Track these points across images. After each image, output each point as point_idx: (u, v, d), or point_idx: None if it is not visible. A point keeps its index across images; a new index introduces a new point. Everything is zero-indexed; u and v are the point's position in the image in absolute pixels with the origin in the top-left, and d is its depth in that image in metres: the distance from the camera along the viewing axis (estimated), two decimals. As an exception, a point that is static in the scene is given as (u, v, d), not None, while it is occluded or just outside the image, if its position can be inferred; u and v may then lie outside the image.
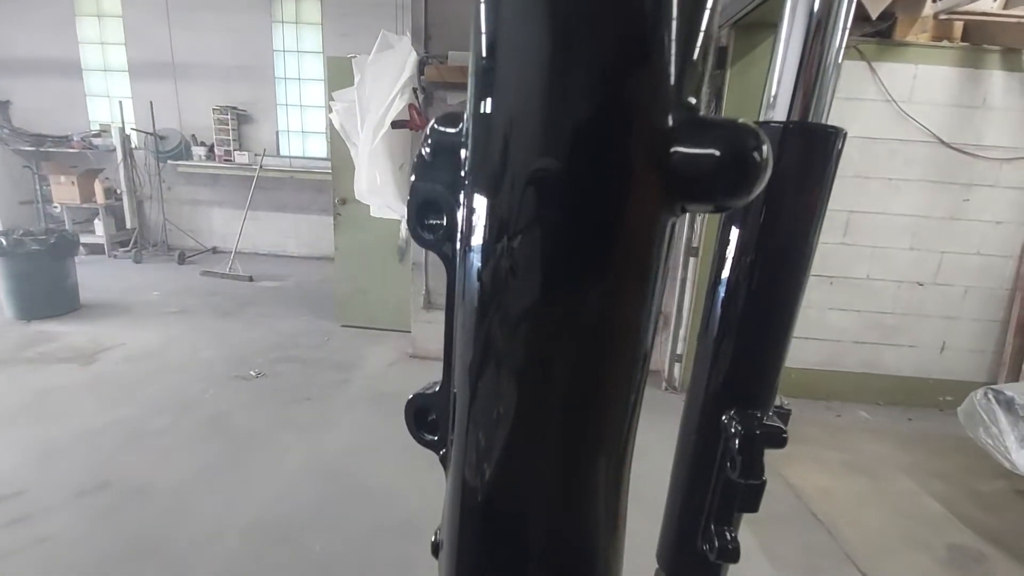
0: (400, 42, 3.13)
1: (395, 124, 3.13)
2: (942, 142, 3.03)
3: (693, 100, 0.24)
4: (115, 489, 2.21)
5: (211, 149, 6.56)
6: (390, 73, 3.09)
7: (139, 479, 2.28)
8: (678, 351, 3.45)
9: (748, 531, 2.09)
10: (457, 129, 0.29)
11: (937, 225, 3.16)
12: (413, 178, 0.32)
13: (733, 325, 0.54)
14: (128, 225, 6.57)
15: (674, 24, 0.23)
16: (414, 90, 3.14)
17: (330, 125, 3.65)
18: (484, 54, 0.26)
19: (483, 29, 0.25)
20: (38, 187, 6.40)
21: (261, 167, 5.89)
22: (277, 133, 6.75)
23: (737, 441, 0.50)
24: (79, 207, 6.31)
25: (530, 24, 0.24)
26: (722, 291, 0.54)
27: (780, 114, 0.50)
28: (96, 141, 6.57)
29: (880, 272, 3.23)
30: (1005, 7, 2.96)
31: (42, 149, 6.46)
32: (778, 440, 0.49)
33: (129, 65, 6.65)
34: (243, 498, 2.20)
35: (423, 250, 3.63)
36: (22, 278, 4.03)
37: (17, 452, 2.43)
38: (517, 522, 0.32)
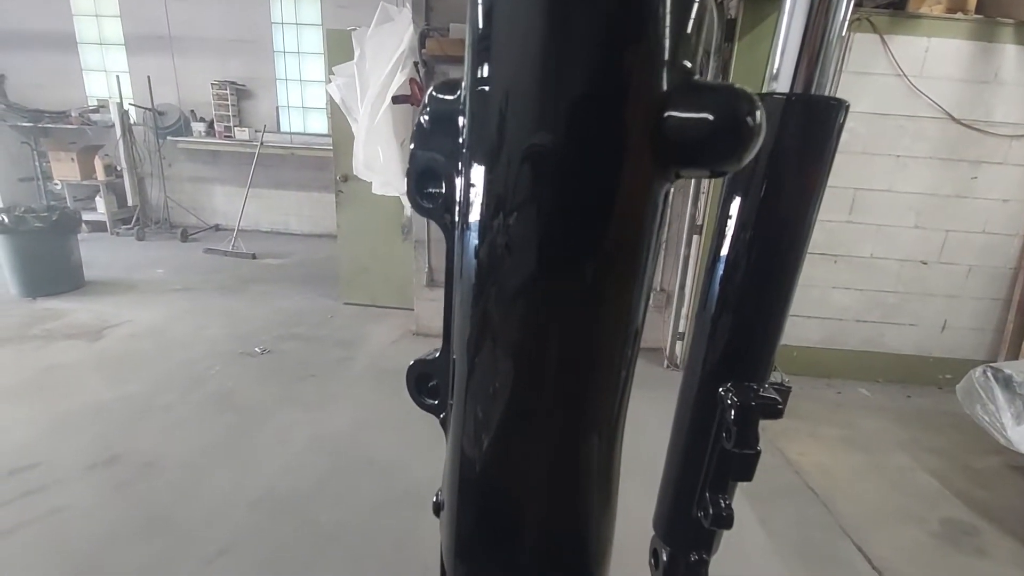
0: (400, 14, 3.06)
1: (396, 99, 3.08)
2: (952, 118, 2.98)
3: (688, 64, 0.24)
4: (124, 463, 2.26)
5: (211, 125, 6.50)
6: (390, 46, 3.03)
7: (148, 453, 2.33)
8: (680, 329, 3.46)
9: (746, 505, 2.13)
10: (455, 96, 0.29)
11: (943, 203, 3.12)
12: (412, 146, 0.32)
13: (731, 300, 0.55)
14: (130, 202, 6.55)
15: None
16: (415, 64, 3.09)
17: (330, 100, 3.60)
18: (480, 23, 0.25)
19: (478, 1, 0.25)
20: (37, 164, 6.36)
21: (262, 144, 5.84)
22: (277, 108, 6.67)
23: (733, 412, 0.51)
24: (80, 184, 6.29)
25: None
26: (720, 267, 0.55)
27: (783, 86, 0.49)
28: (94, 117, 6.51)
29: (884, 250, 3.22)
30: (1022, -23, 2.87)
31: (40, 125, 6.40)
32: (773, 411, 0.50)
33: (125, 38, 6.53)
34: (250, 472, 2.25)
35: (425, 227, 3.63)
36: (26, 255, 4.04)
37: (29, 426, 2.48)
38: (512, 485, 0.33)
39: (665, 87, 0.23)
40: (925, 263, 3.22)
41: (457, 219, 0.31)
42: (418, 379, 0.41)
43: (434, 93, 0.31)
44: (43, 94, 6.61)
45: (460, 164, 0.29)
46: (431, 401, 0.41)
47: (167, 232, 6.65)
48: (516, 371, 0.29)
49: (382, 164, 3.27)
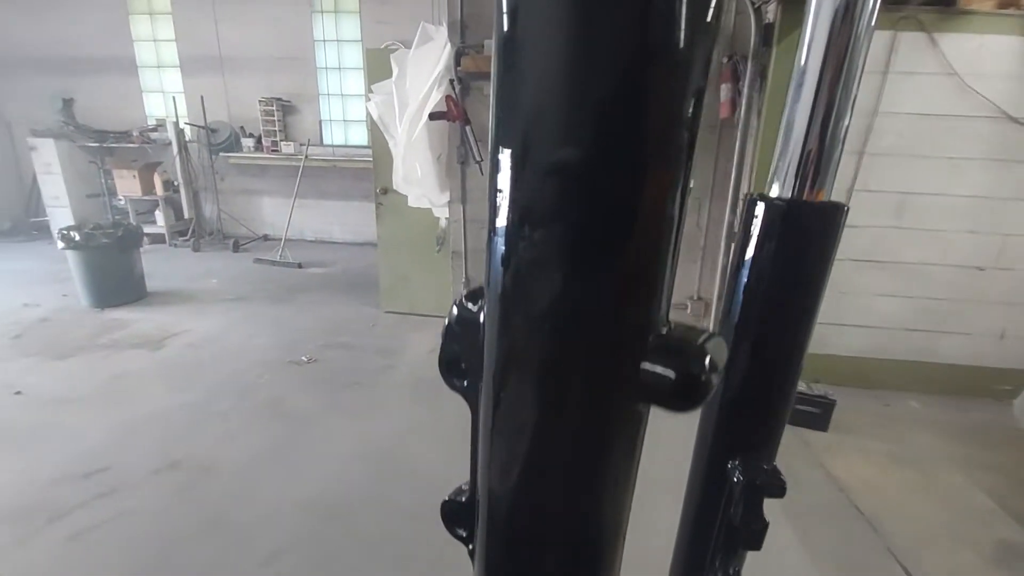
0: (438, 33, 3.16)
1: (433, 116, 3.18)
2: (1009, 117, 2.83)
3: (664, 321, 0.29)
4: (185, 468, 2.42)
5: (259, 140, 6.81)
6: (428, 65, 3.13)
7: (205, 459, 2.49)
8: (718, 338, 3.41)
9: (787, 524, 2.10)
10: (478, 306, 0.34)
11: (1001, 206, 2.97)
12: (442, 340, 0.38)
13: (736, 379, 0.57)
14: (186, 215, 6.95)
15: (653, 265, 0.28)
16: (451, 81, 3.18)
17: (369, 115, 3.75)
18: (497, 285, 0.31)
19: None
20: (103, 181, 6.82)
21: (306, 157, 6.09)
22: (320, 122, 6.93)
23: (739, 489, 0.53)
24: (141, 199, 6.71)
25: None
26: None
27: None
28: (153, 135, 6.93)
29: (935, 256, 3.08)
30: (1087, -34, 2.70)
31: (105, 145, 6.87)
32: (778, 491, 0.53)
33: (180, 61, 6.93)
34: (299, 478, 2.37)
35: (462, 237, 3.71)
36: (95, 269, 4.36)
37: (101, 431, 2.69)
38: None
39: (646, 341, 0.28)
40: (981, 269, 3.07)
41: (481, 407, 0.36)
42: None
43: (462, 300, 0.36)
44: (107, 115, 7.09)
45: (481, 366, 0.34)
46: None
47: (220, 243, 7.01)
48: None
49: (419, 178, 3.38)
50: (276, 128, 6.72)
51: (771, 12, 2.86)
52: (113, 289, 4.48)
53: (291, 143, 6.71)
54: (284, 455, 2.55)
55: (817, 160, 0.51)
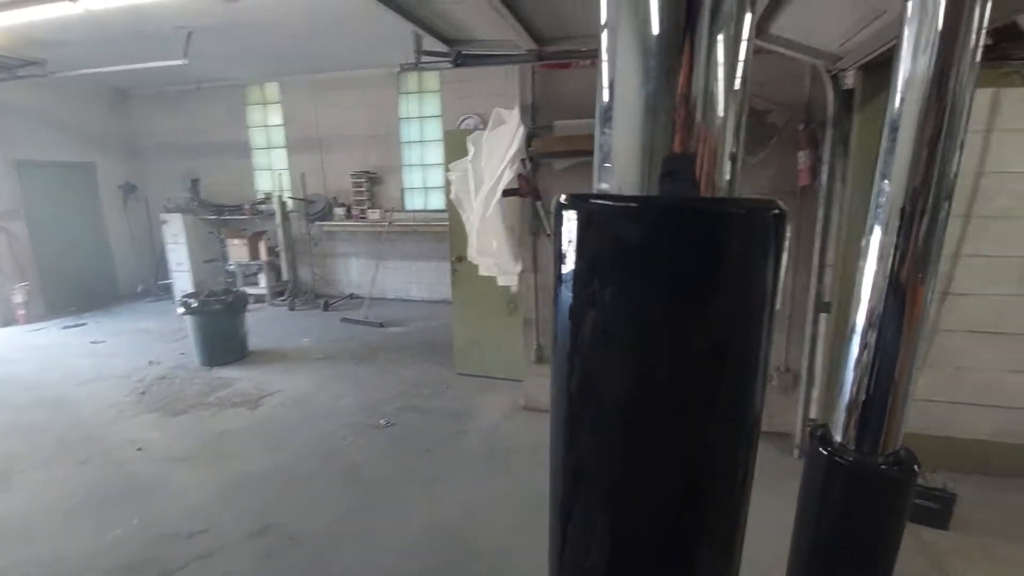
0: (511, 116, 3.36)
1: (507, 192, 3.34)
2: None
3: None
4: (274, 532, 2.57)
5: (348, 209, 7.44)
6: (501, 146, 3.32)
7: (293, 525, 2.62)
8: (811, 414, 3.16)
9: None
10: None
11: None
12: None
13: None
14: (284, 278, 7.64)
15: None
16: (522, 160, 3.34)
17: (447, 184, 3.97)
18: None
19: None
20: (220, 248, 7.71)
21: (390, 223, 6.55)
22: (403, 191, 7.46)
23: None
24: (248, 263, 7.49)
25: None
26: None
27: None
28: (261, 207, 7.78)
29: (990, 323, 2.71)
30: None
31: (221, 217, 7.80)
32: None
33: (287, 142, 7.83)
34: (374, 549, 2.43)
35: (534, 305, 3.78)
36: (208, 332, 4.87)
37: (203, 490, 2.93)
38: None
39: None
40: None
41: None
42: None
43: None
44: (225, 191, 8.08)
45: None
46: None
47: (312, 302, 7.59)
48: None
49: (495, 250, 3.52)
50: (364, 197, 7.32)
51: (850, 78, 2.78)
52: (221, 349, 4.97)
53: (377, 210, 7.26)
54: (361, 524, 2.63)
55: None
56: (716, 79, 0.33)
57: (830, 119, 2.84)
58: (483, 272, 3.81)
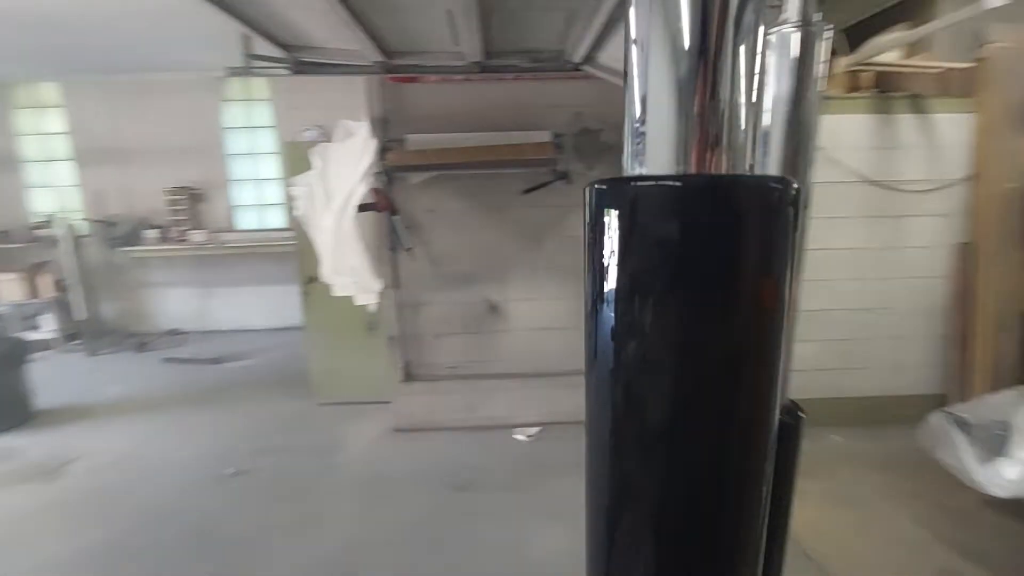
0: (359, 129, 3.23)
1: (363, 207, 3.20)
2: (869, 181, 3.33)
3: None
4: (98, 630, 2.08)
5: (164, 231, 6.43)
6: (352, 159, 3.17)
7: (124, 614, 2.15)
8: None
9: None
10: None
11: (875, 255, 3.43)
12: None
13: None
14: (79, 317, 6.29)
15: None
16: (376, 173, 3.23)
17: (289, 200, 3.67)
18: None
19: None
20: (-24, 287, 6.07)
21: (217, 244, 5.80)
22: (231, 208, 6.69)
23: None
24: (24, 303, 6.02)
25: None
26: None
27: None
28: (39, 233, 6.33)
29: (833, 302, 3.47)
30: (905, 59, 3.33)
31: (-21, 247, 6.17)
32: None
33: (75, 153, 6.50)
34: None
35: (398, 322, 3.66)
36: (-31, 395, 3.79)
37: (-18, 601, 2.26)
38: None
39: None
40: (869, 310, 3.48)
41: None
42: None
43: None
44: (-18, 214, 6.41)
45: None
46: None
47: (121, 343, 6.38)
48: None
49: (352, 268, 3.33)
50: (184, 217, 6.40)
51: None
52: (-8, 415, 3.90)
53: (201, 231, 6.39)
54: (219, 594, 2.26)
55: None
56: (739, 91, 0.36)
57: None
58: (339, 292, 3.58)
